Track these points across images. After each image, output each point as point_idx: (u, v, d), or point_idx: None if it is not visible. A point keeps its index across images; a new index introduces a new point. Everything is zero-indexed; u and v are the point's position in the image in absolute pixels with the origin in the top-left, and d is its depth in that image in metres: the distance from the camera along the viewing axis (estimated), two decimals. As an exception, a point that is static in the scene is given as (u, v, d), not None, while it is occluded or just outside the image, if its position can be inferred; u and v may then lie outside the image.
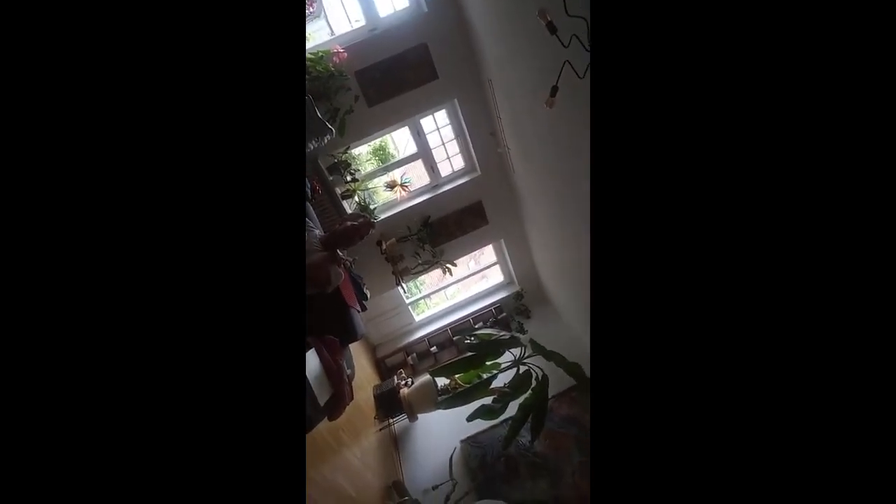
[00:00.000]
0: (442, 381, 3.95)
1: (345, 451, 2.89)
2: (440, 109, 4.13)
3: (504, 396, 3.09)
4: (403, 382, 4.21)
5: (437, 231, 4.42)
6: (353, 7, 3.68)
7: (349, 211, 3.98)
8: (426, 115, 4.14)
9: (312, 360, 2.16)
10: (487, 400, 3.15)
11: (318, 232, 2.26)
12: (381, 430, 3.93)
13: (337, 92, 3.60)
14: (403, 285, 4.61)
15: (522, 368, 3.11)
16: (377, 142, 4.29)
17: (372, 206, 4.20)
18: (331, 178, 3.87)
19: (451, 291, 5.61)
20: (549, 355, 2.92)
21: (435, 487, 3.27)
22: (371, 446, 3.47)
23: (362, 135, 3.95)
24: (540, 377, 2.99)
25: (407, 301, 5.09)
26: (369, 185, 4.26)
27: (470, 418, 3.12)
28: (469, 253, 4.88)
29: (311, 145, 3.20)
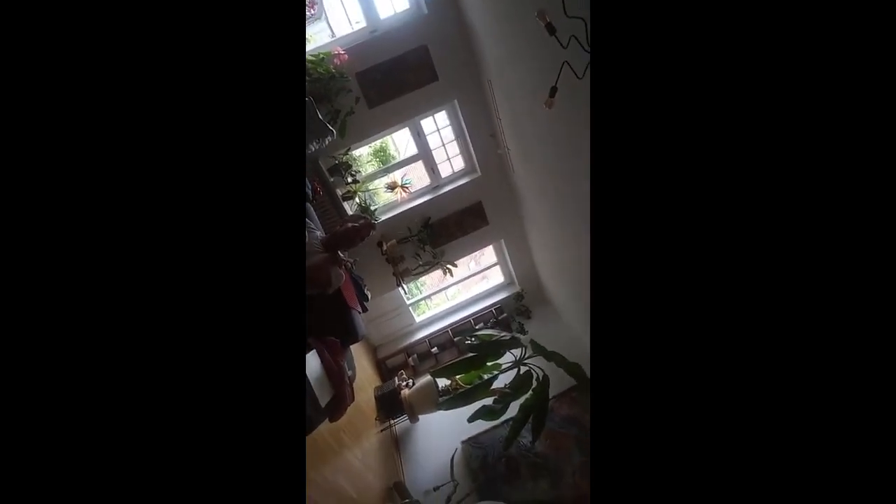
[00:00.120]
0: (443, 382, 3.95)
1: (346, 452, 2.89)
2: (440, 111, 4.13)
3: (505, 397, 3.09)
4: (404, 383, 4.22)
5: (438, 232, 4.42)
6: (354, 9, 3.69)
7: (350, 212, 3.99)
8: (426, 117, 4.15)
9: (313, 362, 2.16)
10: (488, 401, 3.15)
11: (319, 233, 2.27)
12: (382, 431, 3.93)
13: (338, 93, 3.61)
14: (404, 286, 4.61)
15: (523, 369, 3.11)
16: (378, 143, 4.30)
17: (373, 208, 4.21)
18: (332, 179, 3.87)
19: (452, 292, 5.61)
20: (550, 356, 2.92)
21: (436, 488, 3.26)
22: (372, 447, 3.47)
23: (363, 136, 3.96)
24: (540, 378, 2.99)
25: (408, 302, 5.09)
26: (370, 187, 4.26)
27: (471, 419, 3.11)
28: (469, 254, 4.88)
29: (312, 147, 3.21)
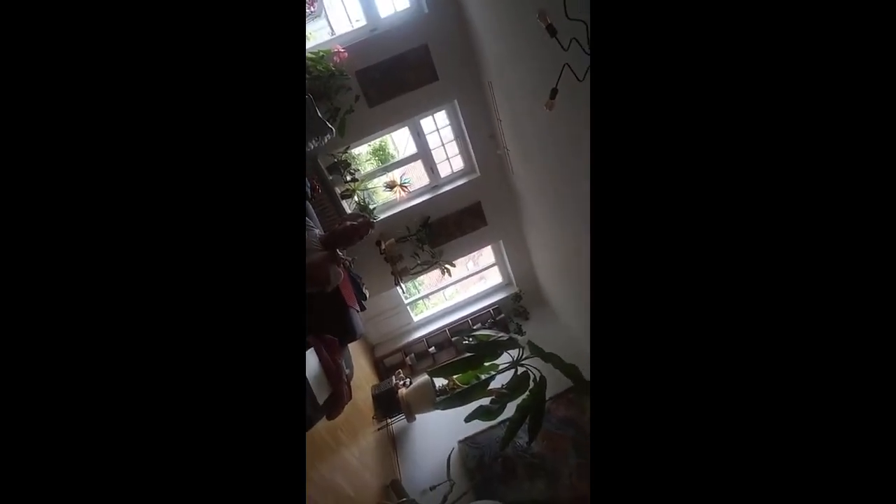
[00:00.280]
0: (440, 382, 3.95)
1: (343, 450, 2.89)
2: (440, 110, 4.13)
3: (502, 397, 3.09)
4: (402, 382, 4.22)
5: (436, 232, 4.42)
6: (354, 7, 3.68)
7: (349, 211, 3.98)
8: (426, 116, 4.14)
9: (311, 360, 2.16)
10: (485, 401, 3.16)
11: (317, 231, 2.27)
12: (379, 429, 3.93)
13: (337, 92, 3.61)
14: (402, 285, 4.62)
15: (520, 370, 3.12)
16: (377, 142, 4.30)
17: (371, 206, 4.21)
18: (330, 177, 3.87)
19: (450, 292, 5.61)
20: (547, 357, 2.93)
21: (433, 488, 3.26)
22: (369, 446, 3.47)
23: (362, 135, 3.95)
24: (537, 378, 2.99)
25: (406, 301, 5.09)
26: (369, 185, 4.26)
27: (468, 419, 3.12)
28: (468, 254, 4.89)
29: (312, 145, 3.21)
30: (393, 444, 4.02)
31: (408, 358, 4.88)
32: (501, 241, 4.82)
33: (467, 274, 5.45)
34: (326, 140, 3.29)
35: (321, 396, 2.14)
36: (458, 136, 4.29)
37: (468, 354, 3.14)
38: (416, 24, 3.63)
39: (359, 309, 2.98)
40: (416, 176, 4.63)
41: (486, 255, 5.27)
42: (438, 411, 3.58)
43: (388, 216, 4.29)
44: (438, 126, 4.26)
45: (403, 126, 4.13)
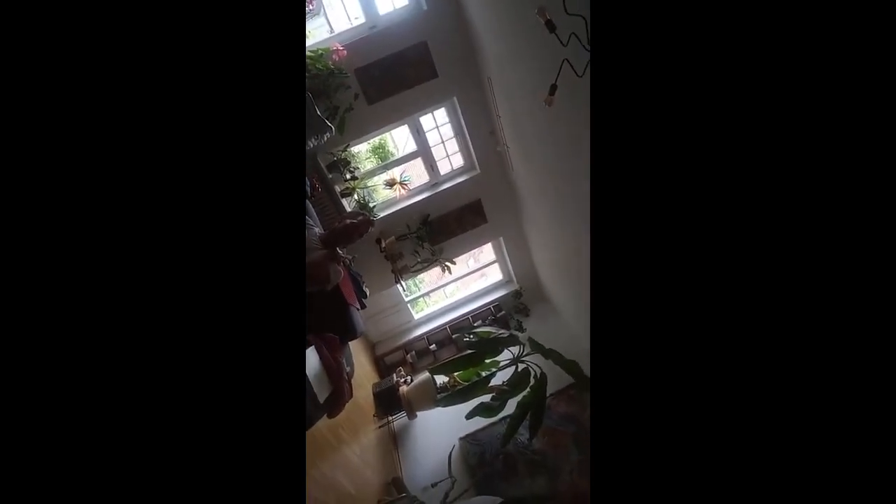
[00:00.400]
0: (441, 379, 3.96)
1: (344, 448, 2.90)
2: (440, 108, 4.12)
3: (503, 394, 3.09)
4: (403, 380, 4.23)
5: (437, 229, 4.42)
6: (353, 4, 3.67)
7: (348, 209, 3.98)
8: (426, 114, 4.14)
9: (312, 358, 2.16)
10: (486, 398, 3.16)
11: (317, 230, 2.27)
12: (380, 427, 3.94)
13: (336, 90, 3.60)
14: (402, 283, 4.62)
15: (521, 366, 3.12)
16: (376, 140, 4.29)
17: (371, 204, 4.20)
18: (330, 175, 3.87)
19: (450, 290, 5.61)
20: (548, 353, 2.93)
21: (434, 485, 3.27)
22: (370, 444, 3.48)
23: (362, 133, 3.94)
24: (538, 375, 2.99)
25: (406, 299, 5.09)
26: (369, 183, 4.26)
27: (469, 416, 3.12)
28: (468, 251, 4.88)
29: (311, 143, 3.20)
30: (394, 442, 4.04)
31: (408, 356, 4.89)
32: (502, 239, 4.81)
33: (468, 271, 5.45)
34: (326, 138, 3.29)
35: (322, 394, 2.14)
36: (458, 134, 4.28)
37: (469, 352, 3.15)
38: (415, 22, 3.62)
39: (359, 307, 2.98)
40: (416, 173, 4.63)
41: (487, 252, 5.27)
42: (439, 409, 3.59)
43: (388, 214, 4.28)
44: (438, 123, 4.25)
45: (403, 124, 4.12)
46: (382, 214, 4.27)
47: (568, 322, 4.43)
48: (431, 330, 4.99)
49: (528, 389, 2.99)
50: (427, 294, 5.55)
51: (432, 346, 4.93)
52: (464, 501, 2.81)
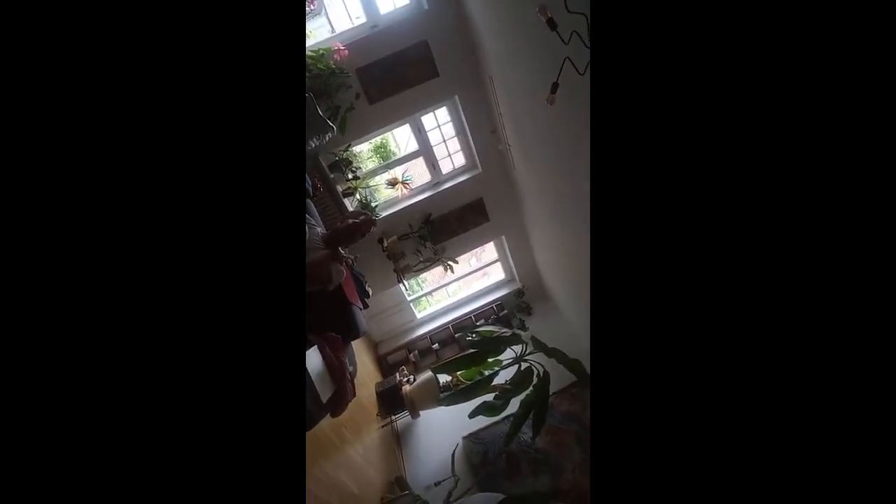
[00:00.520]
0: (444, 378, 3.96)
1: (347, 447, 2.91)
2: (441, 107, 4.12)
3: (505, 393, 3.09)
4: (405, 379, 4.23)
5: (439, 228, 4.42)
6: (354, 4, 3.67)
7: (350, 208, 3.99)
8: (427, 113, 4.14)
9: (315, 357, 2.17)
10: (489, 397, 3.16)
11: (319, 230, 2.27)
12: (383, 426, 3.95)
13: (338, 89, 3.60)
14: (405, 283, 4.62)
15: (524, 365, 3.12)
16: (378, 139, 4.29)
17: (373, 204, 4.21)
18: (332, 175, 3.87)
19: (453, 289, 5.61)
20: (550, 352, 2.93)
21: (437, 484, 3.28)
22: (373, 443, 3.48)
23: (363, 132, 3.95)
24: (541, 374, 2.99)
25: (408, 298, 5.09)
26: (370, 183, 4.26)
27: (472, 415, 3.12)
28: (470, 250, 4.88)
29: (313, 143, 3.21)
30: (397, 441, 4.04)
31: (411, 355, 4.89)
32: (504, 237, 4.81)
33: (470, 270, 5.45)
34: (327, 138, 3.29)
35: (325, 394, 2.15)
36: (460, 133, 4.28)
37: (471, 351, 3.15)
38: (416, 21, 3.61)
39: (362, 306, 2.99)
40: (418, 173, 4.63)
41: (489, 251, 5.27)
42: (442, 408, 3.59)
43: (390, 213, 4.29)
44: (439, 122, 4.25)
45: (404, 123, 4.12)
46: (384, 214, 4.27)
47: (570, 320, 4.43)
48: (434, 329, 4.99)
49: (530, 388, 2.98)
50: (429, 293, 5.55)
51: (435, 346, 4.94)
52: (466, 498, 2.81)
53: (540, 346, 2.99)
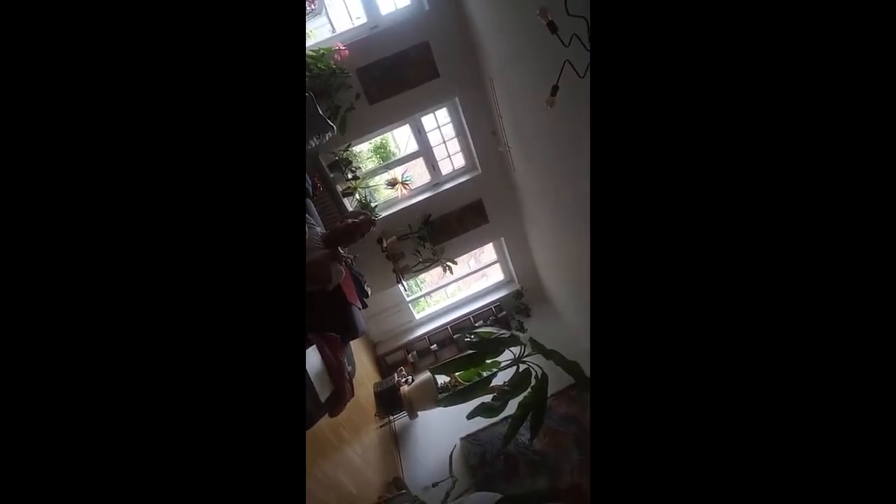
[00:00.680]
0: (442, 379, 3.96)
1: (345, 447, 2.90)
2: (441, 107, 4.13)
3: (504, 394, 3.10)
4: (404, 380, 4.23)
5: (438, 229, 4.42)
6: (355, 4, 3.67)
7: (350, 208, 3.99)
8: (427, 113, 4.14)
9: (314, 357, 2.17)
10: (487, 398, 3.16)
11: (319, 229, 2.27)
12: (381, 427, 3.94)
13: (338, 89, 3.61)
14: (404, 283, 4.62)
15: (522, 367, 3.12)
16: (378, 139, 4.29)
17: (373, 204, 4.21)
18: (332, 175, 3.87)
19: (452, 290, 5.61)
20: (549, 354, 2.93)
21: (435, 485, 3.28)
22: (372, 443, 3.48)
23: (363, 132, 3.95)
24: (539, 375, 2.99)
25: (407, 299, 5.09)
26: (370, 183, 4.26)
27: (470, 416, 3.12)
28: (469, 251, 4.89)
29: (313, 142, 3.21)
30: (395, 442, 4.04)
31: (410, 355, 4.89)
32: (503, 239, 4.81)
33: (469, 271, 5.45)
34: (327, 138, 3.29)
35: (323, 394, 2.14)
36: (460, 134, 4.29)
37: (470, 352, 3.15)
38: (416, 22, 3.62)
39: (361, 306, 2.99)
40: (418, 173, 4.63)
41: (488, 252, 5.27)
42: (440, 408, 3.59)
43: (390, 214, 4.29)
44: (440, 123, 4.25)
45: (404, 123, 4.12)
46: (384, 214, 4.27)
47: (569, 322, 4.43)
48: (433, 330, 4.99)
49: (529, 390, 2.99)
50: (428, 294, 5.55)
51: (433, 346, 4.94)
52: (463, 498, 2.81)
53: (538, 347, 3.00)
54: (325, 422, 2.48)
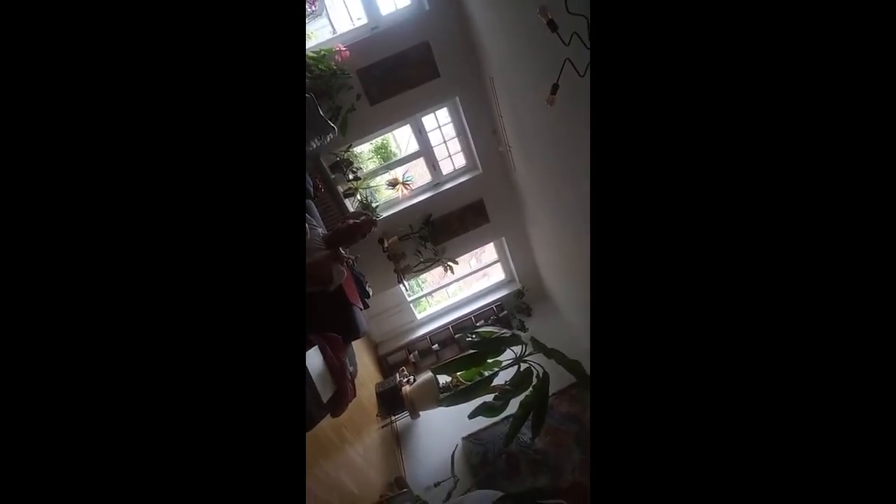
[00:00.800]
0: (443, 379, 3.96)
1: (347, 447, 2.91)
2: (442, 107, 4.13)
3: (505, 394, 3.10)
4: (405, 380, 4.23)
5: (439, 229, 4.43)
6: (355, 5, 3.68)
7: (351, 209, 3.99)
8: (428, 114, 4.14)
9: (315, 358, 2.17)
10: (489, 397, 3.17)
11: (320, 230, 2.28)
12: (383, 427, 3.95)
13: (339, 90, 3.61)
14: (405, 283, 4.62)
15: (523, 366, 3.12)
16: (379, 140, 4.30)
17: (374, 205, 4.21)
18: (333, 176, 3.88)
19: (453, 289, 5.61)
20: (550, 353, 2.93)
21: (437, 484, 3.28)
22: (373, 443, 3.49)
23: (364, 133, 3.95)
24: (540, 375, 3.00)
25: (409, 299, 5.10)
26: (371, 184, 4.26)
27: (471, 415, 3.13)
28: (470, 251, 4.89)
29: (314, 143, 3.21)
30: (397, 442, 4.04)
31: (411, 355, 4.89)
32: (504, 238, 4.82)
33: (470, 271, 5.45)
34: (328, 139, 3.30)
35: (325, 394, 2.15)
36: (460, 134, 4.29)
37: (471, 351, 3.16)
38: (417, 22, 3.62)
39: (362, 307, 2.99)
40: (419, 173, 4.63)
41: (489, 252, 5.27)
42: (442, 408, 3.59)
43: (391, 214, 4.29)
44: (440, 123, 4.25)
45: (405, 124, 4.13)
46: (385, 214, 4.28)
47: (570, 321, 4.43)
48: (434, 330, 4.99)
49: (530, 389, 2.99)
50: (429, 294, 5.55)
51: (435, 346, 4.94)
52: (463, 496, 2.81)
53: (539, 346, 3.00)
54: (327, 422, 2.48)
